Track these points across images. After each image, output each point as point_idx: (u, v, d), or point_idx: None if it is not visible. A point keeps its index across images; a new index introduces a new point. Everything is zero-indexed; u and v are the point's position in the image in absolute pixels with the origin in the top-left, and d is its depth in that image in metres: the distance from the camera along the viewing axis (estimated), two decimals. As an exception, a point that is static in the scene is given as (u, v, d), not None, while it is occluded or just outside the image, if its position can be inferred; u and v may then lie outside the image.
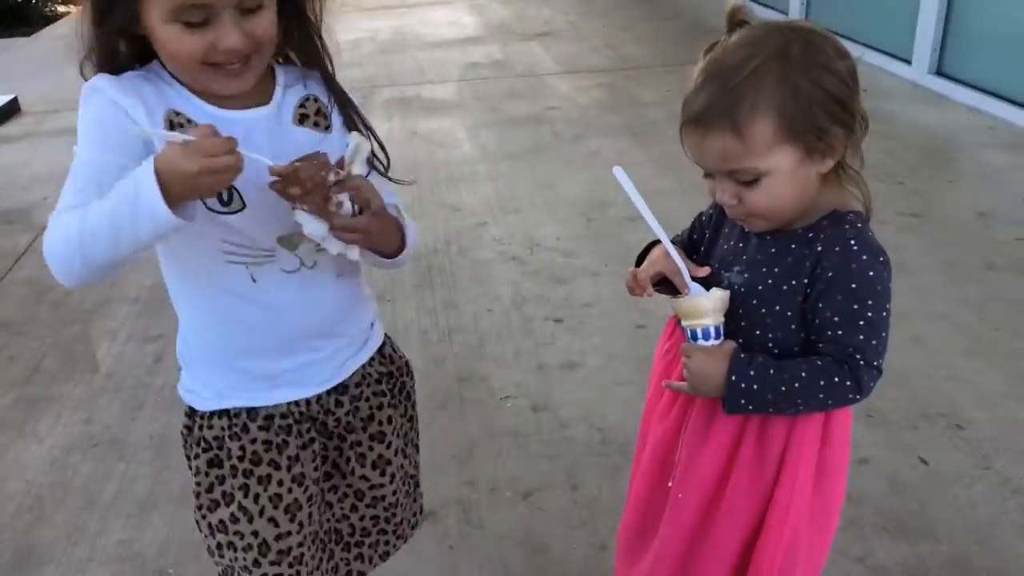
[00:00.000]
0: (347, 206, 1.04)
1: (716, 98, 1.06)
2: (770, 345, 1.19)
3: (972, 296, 2.65)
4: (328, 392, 1.21)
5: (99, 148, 1.04)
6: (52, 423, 2.30)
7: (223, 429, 1.17)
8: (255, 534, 1.18)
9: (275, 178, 1.01)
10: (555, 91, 5.00)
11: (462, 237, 3.25)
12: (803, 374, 1.12)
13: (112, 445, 2.20)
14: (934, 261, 2.87)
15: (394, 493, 1.31)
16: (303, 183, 1.01)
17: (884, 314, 1.12)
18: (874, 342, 1.12)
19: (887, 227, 3.10)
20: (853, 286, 1.10)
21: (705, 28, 6.26)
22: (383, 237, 1.11)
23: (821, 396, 1.13)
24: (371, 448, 1.27)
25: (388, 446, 1.28)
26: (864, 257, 1.10)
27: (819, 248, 1.12)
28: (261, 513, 1.17)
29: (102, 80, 1.06)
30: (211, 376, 1.19)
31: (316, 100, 1.16)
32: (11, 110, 4.93)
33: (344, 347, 1.23)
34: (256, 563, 1.19)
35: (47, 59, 6.31)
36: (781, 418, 1.19)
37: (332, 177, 1.02)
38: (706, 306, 1.18)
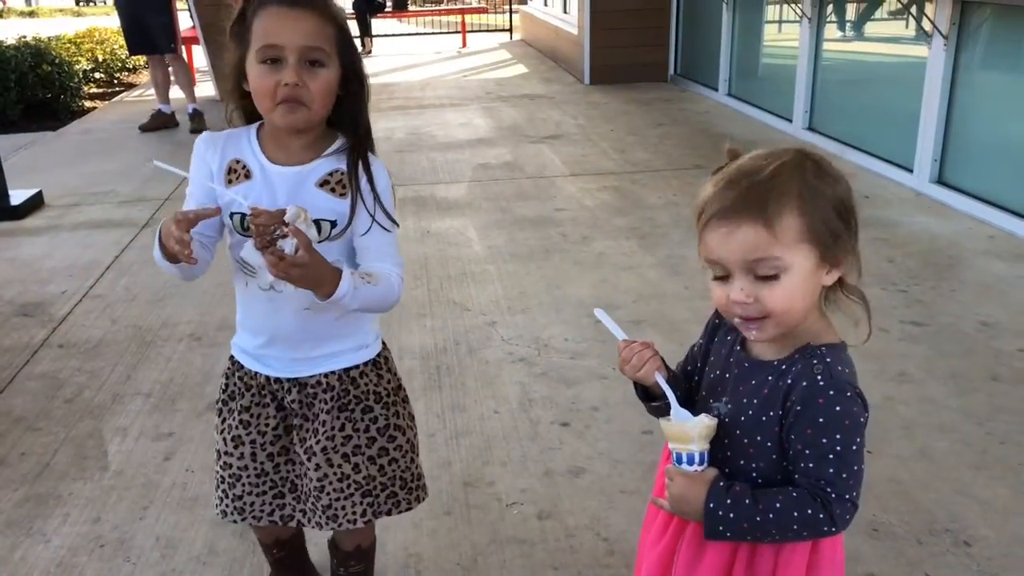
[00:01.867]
0: (288, 249, 1.34)
1: (745, 194, 1.13)
2: (754, 475, 1.22)
3: (978, 409, 2.67)
4: (284, 380, 1.62)
5: (191, 184, 1.56)
6: (60, 522, 2.30)
7: (228, 368, 1.70)
8: (216, 442, 1.70)
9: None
10: (564, 193, 5.12)
11: (471, 336, 3.30)
12: (777, 505, 1.15)
13: (119, 546, 2.20)
14: (939, 372, 2.89)
15: (319, 480, 1.63)
16: (256, 225, 1.35)
17: (854, 447, 1.15)
18: (844, 475, 1.14)
19: (890, 335, 3.14)
20: (820, 420, 1.14)
21: (710, 134, 6.45)
22: (305, 282, 1.40)
23: (795, 527, 1.15)
24: (308, 436, 1.63)
25: (318, 441, 1.61)
26: (831, 392, 1.13)
27: (790, 381, 1.17)
28: (221, 432, 1.69)
29: (199, 140, 1.58)
30: (237, 334, 1.69)
31: (342, 173, 1.53)
32: (35, 203, 5.06)
33: (299, 358, 1.61)
34: (216, 461, 1.71)
35: (73, 153, 6.52)
36: (769, 546, 1.21)
37: (278, 230, 1.34)
38: (691, 432, 1.23)
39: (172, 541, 2.21)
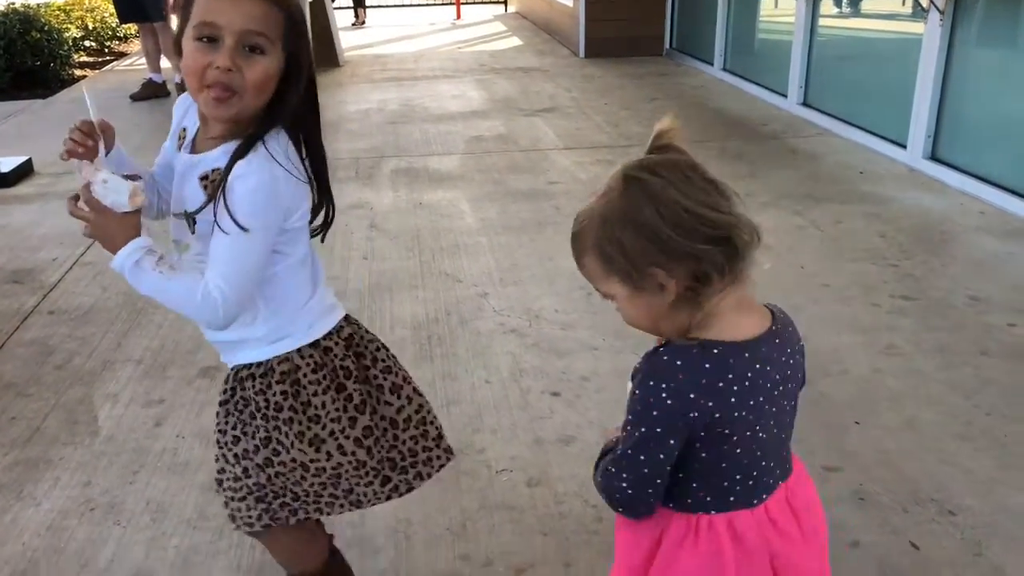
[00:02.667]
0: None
1: (572, 235, 1.21)
2: None
3: (965, 382, 2.69)
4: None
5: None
6: (50, 486, 2.31)
7: None
8: None
9: None
10: (557, 166, 5.11)
11: (462, 307, 3.31)
12: (601, 465, 1.25)
13: (109, 509, 2.21)
14: (928, 345, 2.91)
15: (218, 473, 1.58)
16: None
17: (636, 434, 1.15)
18: (618, 454, 1.19)
19: (880, 309, 3.16)
20: (628, 401, 1.18)
21: (705, 109, 6.43)
22: (99, 239, 1.35)
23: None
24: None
25: (215, 432, 1.57)
26: (637, 377, 1.16)
27: None
28: None
29: (178, 98, 1.53)
30: None
31: (218, 172, 1.36)
32: (25, 171, 5.03)
33: (218, 343, 1.52)
34: None
35: (62, 121, 6.44)
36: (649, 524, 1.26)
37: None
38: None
39: (162, 505, 2.22)
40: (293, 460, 1.50)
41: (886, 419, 2.51)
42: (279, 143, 1.39)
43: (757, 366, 1.14)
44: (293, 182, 1.39)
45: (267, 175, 1.35)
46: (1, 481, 2.34)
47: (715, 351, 1.13)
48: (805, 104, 6.07)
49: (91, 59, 9.53)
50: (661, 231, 1.09)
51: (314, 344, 1.49)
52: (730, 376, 1.13)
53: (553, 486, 2.26)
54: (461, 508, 2.19)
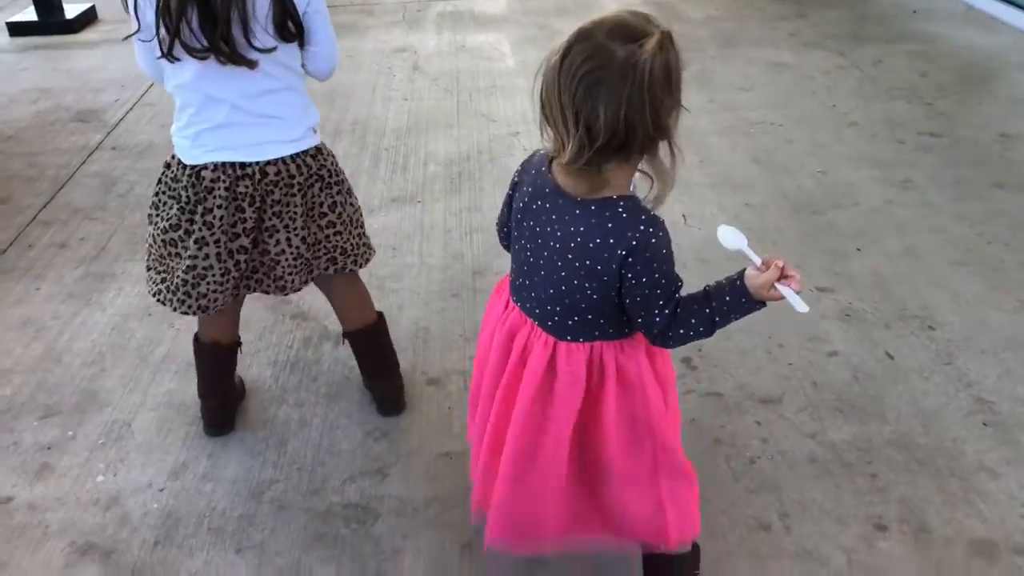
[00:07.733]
0: None
1: None
2: None
3: (974, 212, 2.74)
4: None
5: None
6: (115, 295, 2.60)
7: None
8: None
9: None
10: (604, 8, 5.03)
11: (494, 146, 3.44)
12: None
13: (164, 315, 2.48)
14: (944, 180, 2.95)
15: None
16: None
17: None
18: None
19: (904, 146, 3.18)
20: None
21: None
22: None
23: None
24: None
25: None
26: None
27: None
28: None
29: None
30: None
31: None
32: (89, 18, 5.22)
33: None
34: None
35: (122, -30, 6.59)
36: None
37: None
38: None
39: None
40: None
41: (887, 245, 2.60)
42: None
43: (547, 204, 1.32)
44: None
45: None
46: (73, 291, 2.63)
47: (543, 168, 1.33)
48: (870, -59, 5.79)
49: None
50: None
51: None
52: (529, 189, 1.36)
53: (561, 301, 2.45)
54: (474, 320, 2.40)
